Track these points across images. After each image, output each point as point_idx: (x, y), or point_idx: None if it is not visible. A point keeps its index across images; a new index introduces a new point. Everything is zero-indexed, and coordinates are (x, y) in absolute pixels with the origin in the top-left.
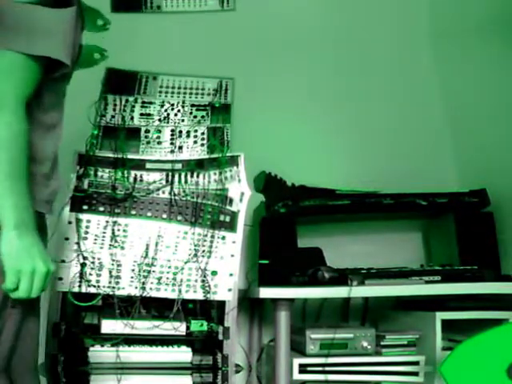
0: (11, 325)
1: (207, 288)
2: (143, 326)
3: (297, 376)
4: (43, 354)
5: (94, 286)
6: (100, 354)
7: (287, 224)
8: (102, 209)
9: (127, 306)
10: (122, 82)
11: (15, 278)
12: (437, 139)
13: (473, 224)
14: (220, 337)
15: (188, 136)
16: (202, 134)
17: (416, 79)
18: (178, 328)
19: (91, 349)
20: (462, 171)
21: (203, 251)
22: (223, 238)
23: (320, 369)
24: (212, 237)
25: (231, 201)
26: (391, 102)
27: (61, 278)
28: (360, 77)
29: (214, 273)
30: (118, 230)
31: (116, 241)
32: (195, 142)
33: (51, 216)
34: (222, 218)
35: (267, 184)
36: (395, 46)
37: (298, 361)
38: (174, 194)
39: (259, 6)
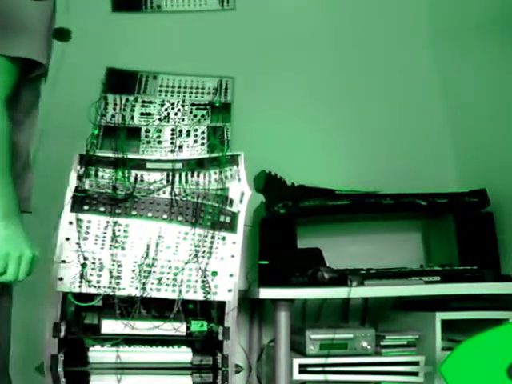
0: None
1: (207, 288)
2: (143, 327)
3: (297, 376)
4: (43, 354)
5: (95, 287)
6: (100, 354)
7: (287, 225)
8: (102, 209)
9: (127, 307)
10: (122, 82)
11: (3, 262)
12: (437, 139)
13: (473, 224)
14: (220, 337)
15: (188, 135)
16: (202, 133)
17: (416, 79)
18: (178, 328)
19: (91, 349)
20: (461, 171)
21: (203, 252)
22: (223, 238)
23: (320, 369)
24: (212, 237)
25: (231, 202)
26: (391, 101)
27: (61, 279)
28: (360, 76)
29: (215, 273)
30: (119, 230)
31: (117, 241)
32: (195, 142)
33: (52, 216)
34: (222, 218)
35: (267, 183)
36: (395, 46)
37: (297, 361)
38: (175, 194)
39: (259, 6)
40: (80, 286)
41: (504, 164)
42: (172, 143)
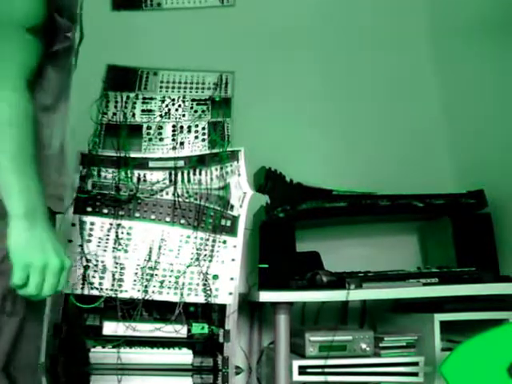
0: (9, 331)
1: (208, 292)
2: (145, 329)
3: (296, 377)
4: (44, 354)
5: (97, 289)
6: (101, 355)
7: (286, 228)
8: (105, 211)
9: (129, 309)
10: (122, 79)
11: (24, 273)
12: (434, 139)
13: (470, 225)
14: (221, 339)
15: (189, 131)
16: (203, 128)
17: (414, 79)
18: (179, 331)
19: (92, 350)
20: (459, 172)
21: (205, 255)
22: (224, 242)
23: (319, 370)
24: (213, 241)
25: (232, 205)
26: (389, 101)
27: None
28: (359, 75)
29: (215, 277)
30: (122, 232)
31: (120, 244)
32: (196, 138)
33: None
34: (223, 222)
35: (267, 180)
36: (395, 45)
37: (297, 363)
38: (178, 195)
39: (258, 2)
40: (82, 288)
41: (502, 165)
42: (173, 140)
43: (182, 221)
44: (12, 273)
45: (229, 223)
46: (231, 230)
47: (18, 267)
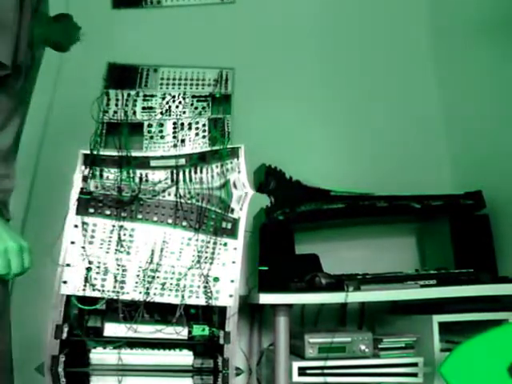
0: None
1: (209, 294)
2: (146, 330)
3: (296, 379)
4: (44, 354)
5: (99, 291)
6: (102, 356)
7: (285, 231)
8: (108, 212)
9: (131, 311)
10: (123, 76)
11: None
12: (432, 140)
13: (468, 227)
14: (221, 341)
15: (190, 128)
16: (204, 125)
17: (413, 79)
18: (180, 332)
19: (93, 351)
20: (457, 173)
21: (206, 258)
22: (225, 244)
23: (319, 371)
24: (214, 243)
25: (233, 209)
26: (388, 102)
27: (65, 282)
28: (358, 75)
29: (216, 279)
30: (124, 234)
31: (122, 246)
32: (197, 135)
33: (57, 218)
34: (224, 224)
35: (267, 176)
36: (394, 46)
37: (297, 364)
38: (180, 196)
39: None
40: (84, 290)
41: (500, 165)
42: (174, 137)
43: (184, 223)
44: None
45: (229, 226)
46: (232, 233)
47: None
